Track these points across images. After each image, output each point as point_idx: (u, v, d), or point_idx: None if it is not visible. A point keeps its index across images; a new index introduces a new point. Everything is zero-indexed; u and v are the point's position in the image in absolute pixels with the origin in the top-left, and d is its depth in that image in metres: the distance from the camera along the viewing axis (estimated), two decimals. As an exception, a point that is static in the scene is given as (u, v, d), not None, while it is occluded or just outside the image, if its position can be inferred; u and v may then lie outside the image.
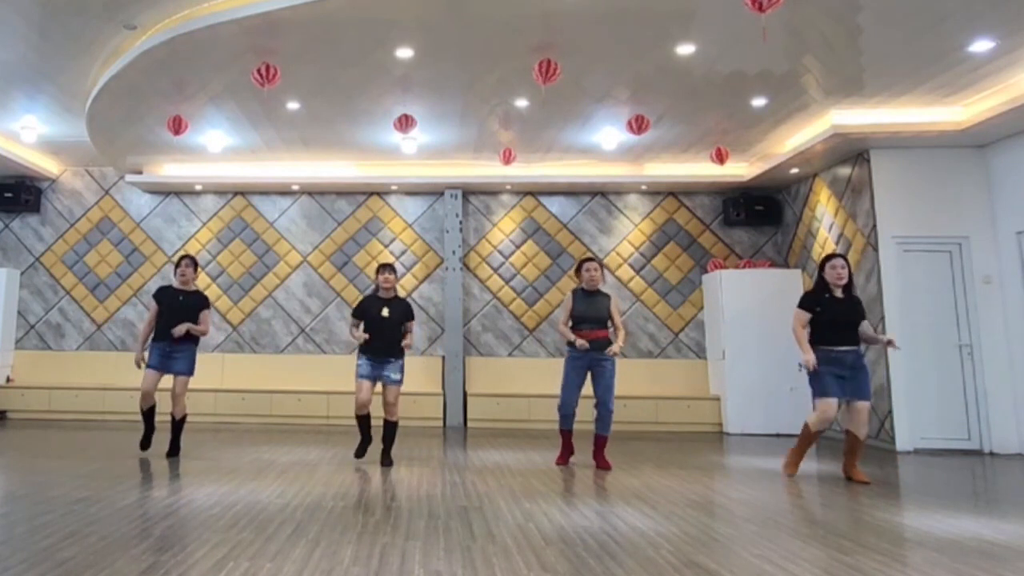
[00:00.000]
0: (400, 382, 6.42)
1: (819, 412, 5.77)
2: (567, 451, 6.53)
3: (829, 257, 5.97)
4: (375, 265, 10.49)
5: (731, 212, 10.32)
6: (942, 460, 7.21)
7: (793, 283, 9.69)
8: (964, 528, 4.28)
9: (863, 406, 5.73)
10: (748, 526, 4.29)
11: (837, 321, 5.77)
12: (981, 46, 6.07)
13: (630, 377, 10.14)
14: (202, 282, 10.58)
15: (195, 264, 6.82)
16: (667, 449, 7.76)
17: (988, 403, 7.71)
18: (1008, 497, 5.50)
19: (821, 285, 5.92)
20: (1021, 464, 7.04)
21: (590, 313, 6.30)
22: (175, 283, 6.80)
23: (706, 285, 10.24)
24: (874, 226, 8.15)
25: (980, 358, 7.80)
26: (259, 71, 6.36)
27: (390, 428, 6.44)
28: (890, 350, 6.06)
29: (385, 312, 6.39)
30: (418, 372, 10.29)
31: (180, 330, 6.47)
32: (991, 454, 7.58)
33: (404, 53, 6.45)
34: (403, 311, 6.51)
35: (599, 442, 6.40)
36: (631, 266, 10.51)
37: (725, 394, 9.53)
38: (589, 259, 6.54)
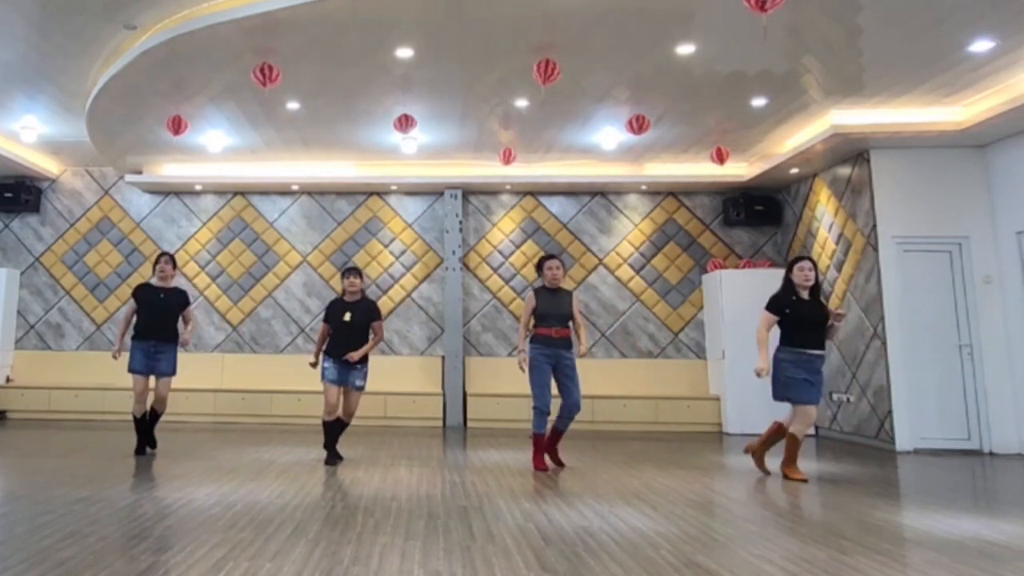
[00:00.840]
0: (363, 388, 6.40)
1: (803, 417, 5.82)
2: (543, 453, 6.29)
3: (796, 259, 6.00)
4: (375, 265, 10.59)
5: (731, 212, 10.32)
6: (942, 460, 7.21)
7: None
8: (964, 528, 4.28)
9: (811, 410, 5.79)
10: (748, 526, 4.29)
11: (806, 322, 5.80)
12: (981, 46, 6.07)
13: (630, 377, 10.15)
14: (202, 282, 10.61)
15: (174, 261, 6.87)
16: (667, 449, 7.76)
17: (988, 403, 7.71)
18: (1008, 497, 5.50)
19: (788, 287, 5.96)
20: (1021, 464, 7.04)
21: (553, 311, 6.22)
22: (154, 280, 6.80)
23: (706, 285, 10.24)
24: (874, 226, 8.14)
25: (980, 358, 7.79)
26: (259, 71, 6.36)
27: (342, 426, 6.46)
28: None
29: (347, 316, 6.36)
30: (418, 372, 10.29)
31: (186, 338, 6.66)
32: (991, 454, 7.58)
33: (404, 53, 6.45)
34: (368, 313, 6.46)
35: (555, 436, 6.29)
36: (631, 266, 10.51)
37: (725, 394, 9.52)
38: (551, 256, 6.49)
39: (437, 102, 7.68)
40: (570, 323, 6.29)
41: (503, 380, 10.14)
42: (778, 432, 6.07)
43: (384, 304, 10.53)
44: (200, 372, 10.15)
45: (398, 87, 7.26)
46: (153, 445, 6.79)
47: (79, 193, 10.94)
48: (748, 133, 8.52)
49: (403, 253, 10.69)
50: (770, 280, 9.64)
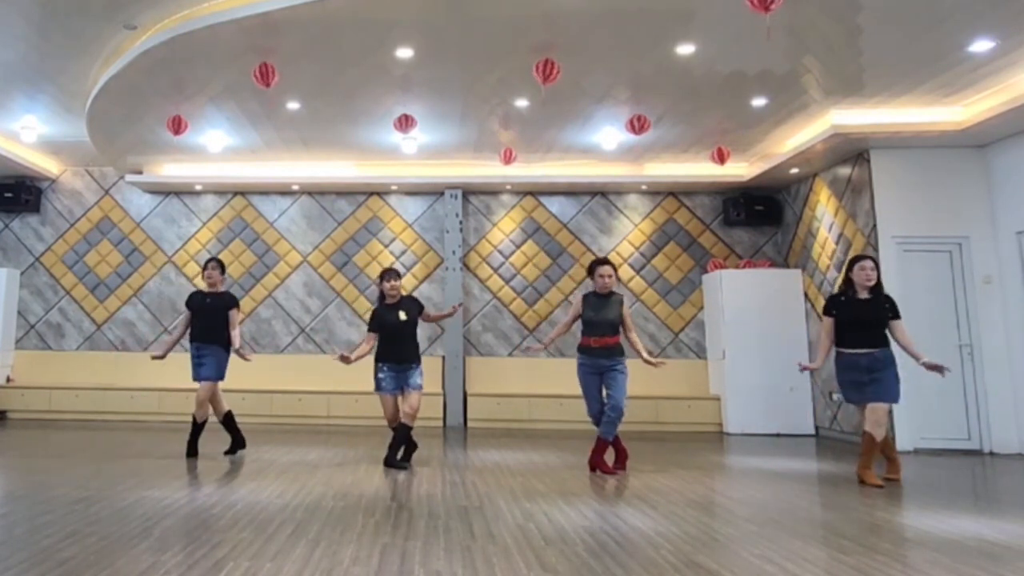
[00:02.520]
0: (422, 387, 6.29)
1: (869, 415, 5.62)
2: (602, 454, 6.15)
3: (857, 258, 5.87)
4: (375, 265, 10.58)
5: (731, 212, 10.32)
6: (942, 460, 7.21)
7: (793, 283, 9.70)
8: (964, 528, 4.28)
9: (876, 406, 5.59)
10: (748, 526, 4.29)
11: (852, 322, 5.69)
12: (981, 46, 6.07)
13: (630, 377, 10.11)
14: (201, 283, 10.58)
15: (221, 266, 6.93)
16: (667, 449, 7.76)
17: (988, 403, 7.71)
18: (1008, 497, 5.50)
19: (845, 286, 5.87)
20: (1021, 464, 7.04)
21: (600, 318, 6.08)
22: (204, 287, 6.94)
23: (706, 285, 10.24)
24: (874, 226, 8.14)
25: (980, 358, 7.79)
26: (259, 71, 6.36)
27: (405, 430, 6.27)
28: (941, 370, 5.63)
29: (402, 316, 6.27)
30: (418, 372, 10.29)
31: (239, 348, 6.67)
32: (991, 454, 7.58)
33: (404, 53, 6.45)
34: (416, 307, 6.43)
35: (599, 445, 6.11)
36: (631, 266, 10.51)
37: (725, 394, 9.52)
38: (604, 261, 6.28)
39: (437, 102, 7.68)
40: (620, 330, 6.14)
41: (503, 380, 10.14)
42: (863, 439, 5.79)
43: (384, 304, 10.54)
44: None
45: (398, 87, 7.26)
46: (194, 453, 6.60)
47: (79, 193, 10.94)
48: (748, 133, 8.52)
49: (403, 253, 10.69)
50: (770, 280, 9.74)
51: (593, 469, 6.12)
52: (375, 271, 10.59)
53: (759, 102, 7.49)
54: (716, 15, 5.68)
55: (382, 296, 6.43)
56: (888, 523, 4.40)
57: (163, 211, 10.87)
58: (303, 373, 10.23)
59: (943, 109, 7.51)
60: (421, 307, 6.49)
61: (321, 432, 8.91)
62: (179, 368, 9.52)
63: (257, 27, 6.00)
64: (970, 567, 3.48)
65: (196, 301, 6.85)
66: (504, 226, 10.69)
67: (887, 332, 5.73)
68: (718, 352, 9.75)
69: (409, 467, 6.25)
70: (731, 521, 4.45)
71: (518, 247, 10.62)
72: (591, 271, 6.29)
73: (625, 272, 10.50)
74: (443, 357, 10.29)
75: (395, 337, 6.25)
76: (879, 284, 5.84)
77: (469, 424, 9.81)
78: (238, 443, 6.80)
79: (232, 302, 6.85)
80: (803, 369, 6.13)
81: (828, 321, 5.87)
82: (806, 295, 9.60)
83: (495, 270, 10.60)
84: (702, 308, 10.32)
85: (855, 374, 5.67)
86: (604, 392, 6.08)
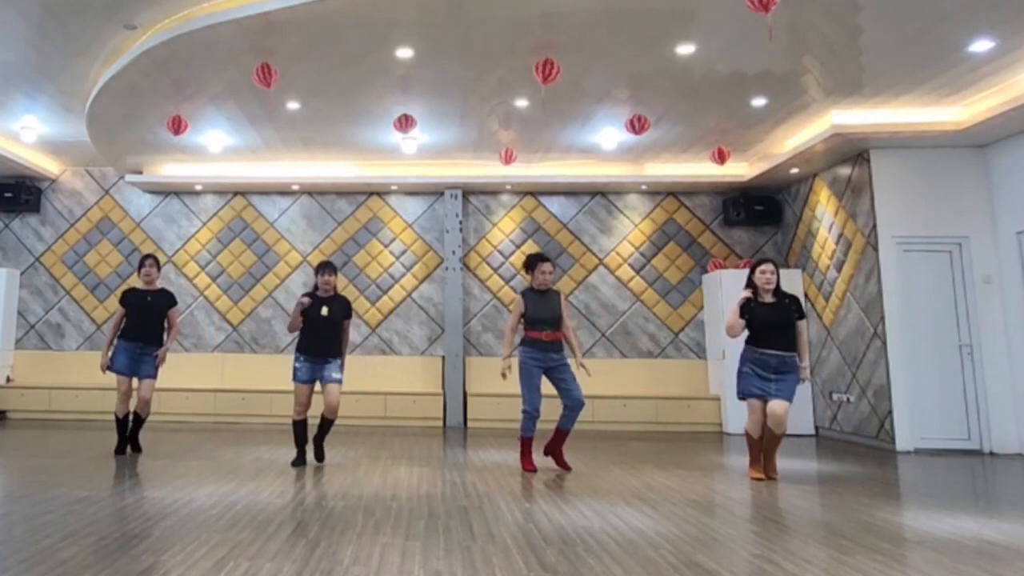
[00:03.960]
0: (341, 381, 6.30)
1: (748, 414, 5.93)
2: (531, 454, 6.26)
3: (759, 262, 6.04)
4: (375, 265, 10.59)
5: (731, 212, 10.32)
6: (942, 460, 7.21)
7: (793, 283, 9.68)
8: (964, 528, 4.28)
9: (778, 405, 5.72)
10: (748, 526, 4.29)
11: (760, 324, 5.89)
12: (981, 46, 6.07)
13: (630, 377, 10.16)
14: (202, 282, 10.61)
15: (158, 263, 6.86)
16: (667, 449, 7.76)
17: (988, 403, 7.71)
18: (1008, 497, 5.50)
19: (753, 289, 6.03)
20: (1021, 464, 7.04)
21: (543, 314, 6.12)
22: (140, 284, 6.82)
23: (706, 285, 10.24)
24: (874, 226, 8.14)
25: (980, 358, 7.79)
26: (259, 71, 6.35)
27: (327, 424, 6.36)
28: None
29: (325, 311, 6.26)
30: (418, 372, 10.29)
31: (162, 357, 6.63)
32: (991, 454, 7.58)
33: (404, 53, 6.45)
34: (342, 309, 6.38)
35: (560, 436, 6.18)
36: (631, 266, 10.51)
37: (725, 394, 9.51)
38: (545, 259, 6.30)
39: (437, 102, 7.68)
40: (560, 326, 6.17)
41: (503, 380, 10.12)
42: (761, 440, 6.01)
43: (384, 304, 10.55)
44: (200, 372, 10.15)
45: (398, 87, 7.26)
46: (137, 450, 6.72)
47: (79, 193, 10.94)
48: (748, 133, 8.52)
49: (403, 253, 10.69)
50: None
51: (547, 453, 6.25)
52: (375, 271, 10.61)
53: (759, 102, 7.49)
54: (716, 15, 5.68)
55: (316, 287, 6.42)
56: (888, 523, 4.40)
57: (163, 211, 10.87)
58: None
59: (943, 109, 7.51)
60: (347, 314, 6.42)
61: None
62: (178, 368, 9.56)
63: (257, 27, 6.00)
64: (970, 567, 3.48)
65: (133, 298, 6.72)
66: (504, 226, 10.69)
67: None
68: (718, 352, 9.75)
69: (303, 466, 6.23)
70: (731, 521, 4.45)
71: (518, 247, 10.61)
72: (531, 266, 6.28)
73: (625, 272, 10.50)
74: (443, 357, 10.29)
75: (314, 329, 6.25)
76: (778, 287, 6.01)
77: (469, 424, 9.81)
78: (135, 447, 6.72)
79: (173, 300, 6.85)
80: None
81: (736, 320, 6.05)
82: (806, 295, 9.60)
83: (495, 270, 10.60)
84: (702, 308, 10.32)
85: (762, 369, 5.88)
86: (559, 390, 6.08)
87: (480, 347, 10.42)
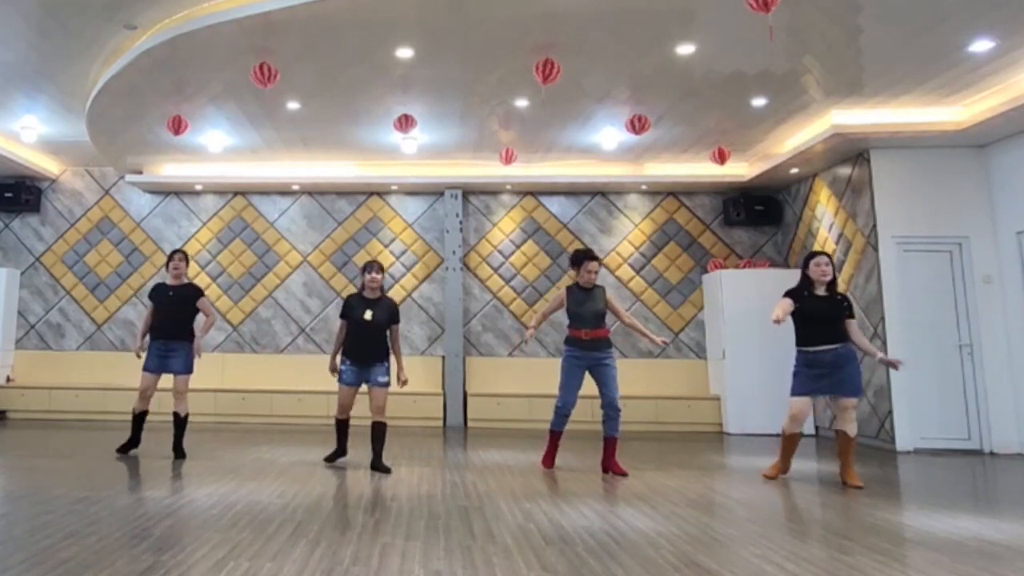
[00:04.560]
0: (387, 384, 6.18)
1: (789, 411, 5.76)
2: (554, 452, 6.30)
3: (813, 255, 5.92)
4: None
5: (731, 212, 10.32)
6: (942, 460, 7.21)
7: (793, 283, 9.66)
8: (964, 528, 4.28)
9: (847, 402, 5.59)
10: (749, 526, 4.29)
11: (813, 318, 5.69)
12: (981, 46, 6.07)
13: (630, 377, 10.11)
14: (202, 282, 10.59)
15: (187, 258, 6.85)
16: (667, 449, 7.76)
17: (988, 403, 7.71)
18: (1008, 497, 5.50)
19: (804, 282, 5.86)
20: (1021, 464, 7.04)
21: (585, 312, 6.08)
22: (168, 279, 6.79)
23: (706, 285, 10.24)
24: (874, 226, 8.14)
25: (980, 358, 7.79)
26: (259, 71, 6.36)
27: (379, 429, 6.18)
28: (896, 365, 5.74)
29: (368, 315, 6.11)
30: (418, 372, 10.27)
31: (197, 349, 6.59)
32: (991, 454, 7.58)
33: (404, 53, 6.45)
34: (389, 313, 6.21)
35: (610, 446, 6.05)
36: (631, 266, 10.51)
37: (725, 394, 9.52)
38: (593, 257, 6.19)
39: (437, 102, 7.68)
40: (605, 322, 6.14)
41: (504, 380, 10.15)
42: (838, 440, 5.78)
43: (384, 304, 10.54)
44: (200, 372, 9.97)
45: (398, 87, 7.26)
46: (181, 455, 6.52)
47: (79, 193, 10.94)
48: (748, 133, 8.52)
49: (403, 253, 10.69)
50: (770, 280, 9.70)
51: (606, 471, 6.08)
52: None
53: (759, 102, 7.49)
54: (716, 15, 5.68)
55: (363, 286, 6.28)
56: (888, 523, 4.40)
57: (163, 211, 10.87)
58: (303, 373, 10.23)
59: (943, 109, 7.51)
60: (394, 319, 6.24)
61: (321, 432, 8.90)
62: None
63: (257, 27, 6.00)
64: (970, 567, 3.48)
65: (159, 294, 6.69)
66: (504, 226, 10.69)
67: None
68: (718, 352, 9.75)
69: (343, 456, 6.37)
70: (731, 521, 4.45)
71: (518, 247, 10.62)
72: (578, 263, 6.18)
73: (625, 272, 10.50)
74: (443, 357, 10.29)
75: (358, 334, 6.12)
76: (835, 282, 5.86)
77: (469, 424, 9.81)
78: (179, 453, 6.61)
79: (200, 291, 6.81)
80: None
81: (789, 304, 5.79)
82: (806, 295, 9.59)
83: (495, 270, 10.60)
84: (702, 308, 10.32)
85: (818, 369, 5.67)
86: (598, 389, 6.03)
87: (480, 347, 10.42)
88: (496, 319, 10.46)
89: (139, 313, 10.54)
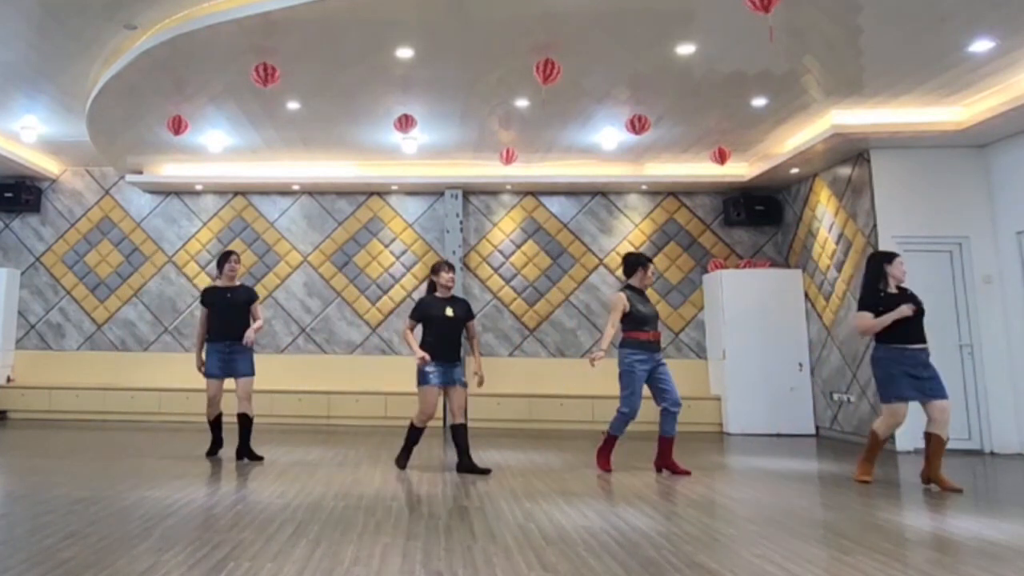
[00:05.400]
0: (467, 384, 6.24)
1: (888, 416, 5.56)
2: (610, 455, 6.25)
3: (891, 255, 5.72)
4: (375, 265, 10.58)
5: (731, 212, 10.32)
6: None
7: (794, 283, 9.70)
8: (964, 528, 4.28)
9: (945, 404, 5.47)
10: (749, 526, 4.29)
11: (908, 318, 5.46)
12: (981, 46, 6.07)
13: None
14: (202, 282, 10.58)
15: (239, 259, 6.78)
16: (667, 449, 7.74)
17: (988, 403, 7.71)
18: (1008, 497, 5.50)
19: (878, 283, 5.63)
20: (1021, 464, 7.04)
21: (650, 313, 6.16)
22: (220, 281, 6.70)
23: (706, 285, 10.24)
24: (874, 226, 8.14)
25: (980, 358, 7.79)
26: (259, 71, 6.36)
27: (462, 431, 6.10)
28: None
29: (449, 312, 6.07)
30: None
31: (250, 337, 6.45)
32: (991, 454, 7.58)
33: (404, 53, 6.45)
34: (466, 309, 6.23)
35: (666, 446, 6.06)
36: (631, 266, 10.50)
37: (725, 394, 9.53)
38: (648, 260, 6.29)
39: (437, 102, 7.68)
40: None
41: (504, 380, 10.14)
42: (928, 443, 5.63)
43: (385, 304, 10.55)
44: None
45: (398, 87, 7.26)
46: (254, 458, 6.50)
47: (79, 193, 10.94)
48: (748, 133, 8.52)
49: (404, 253, 10.69)
50: (771, 280, 9.74)
51: (660, 470, 6.12)
52: (375, 271, 10.61)
53: (759, 102, 7.49)
54: (716, 15, 5.68)
55: (432, 287, 6.24)
56: (888, 523, 4.40)
57: (163, 211, 10.87)
58: (303, 373, 10.24)
59: (943, 109, 7.51)
60: (471, 315, 6.27)
61: (321, 432, 8.91)
62: (179, 369, 9.55)
63: (257, 27, 6.00)
64: (971, 567, 3.48)
65: (214, 297, 6.59)
66: (504, 226, 10.69)
67: None
68: (718, 352, 9.75)
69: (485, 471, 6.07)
70: (732, 521, 4.45)
71: (518, 247, 10.62)
72: (641, 266, 6.23)
73: (625, 272, 10.50)
74: (443, 357, 10.28)
75: (442, 332, 6.07)
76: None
77: (470, 424, 9.77)
78: (250, 455, 6.60)
79: (255, 295, 6.75)
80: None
81: (869, 317, 5.60)
82: (806, 295, 9.61)
83: (495, 270, 10.60)
84: (702, 308, 10.32)
85: (914, 368, 5.46)
86: (658, 388, 6.05)
87: (481, 347, 10.39)
88: (496, 319, 10.46)
89: (139, 313, 10.56)
